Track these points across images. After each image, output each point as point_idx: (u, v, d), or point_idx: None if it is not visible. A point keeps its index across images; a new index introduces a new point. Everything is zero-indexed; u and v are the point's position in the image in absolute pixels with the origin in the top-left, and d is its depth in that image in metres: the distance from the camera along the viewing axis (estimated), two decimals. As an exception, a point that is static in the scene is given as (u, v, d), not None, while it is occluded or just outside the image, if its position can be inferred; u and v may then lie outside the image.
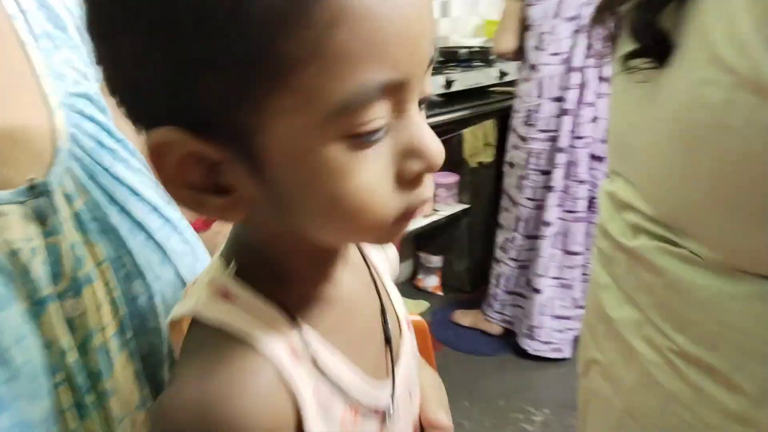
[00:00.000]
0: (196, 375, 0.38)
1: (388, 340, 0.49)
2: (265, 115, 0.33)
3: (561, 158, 2.01)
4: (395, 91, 0.35)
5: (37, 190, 0.46)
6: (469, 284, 2.68)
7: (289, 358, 0.39)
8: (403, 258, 2.59)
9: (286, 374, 0.39)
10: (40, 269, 0.45)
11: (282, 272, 0.43)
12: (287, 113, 0.33)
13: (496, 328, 2.32)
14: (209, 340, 0.39)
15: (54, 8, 0.56)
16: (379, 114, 0.34)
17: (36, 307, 0.44)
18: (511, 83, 2.26)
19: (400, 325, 0.52)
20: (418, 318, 0.75)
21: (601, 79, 1.93)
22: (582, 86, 1.95)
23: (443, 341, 2.32)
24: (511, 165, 2.17)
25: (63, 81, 0.52)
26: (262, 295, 0.41)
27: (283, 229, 0.40)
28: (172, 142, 0.35)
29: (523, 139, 2.07)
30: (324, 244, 0.42)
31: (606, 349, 0.66)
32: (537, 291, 2.14)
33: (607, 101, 0.67)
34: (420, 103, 0.38)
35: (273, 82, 0.32)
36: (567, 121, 1.98)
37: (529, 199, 2.11)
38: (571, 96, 1.96)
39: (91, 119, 0.53)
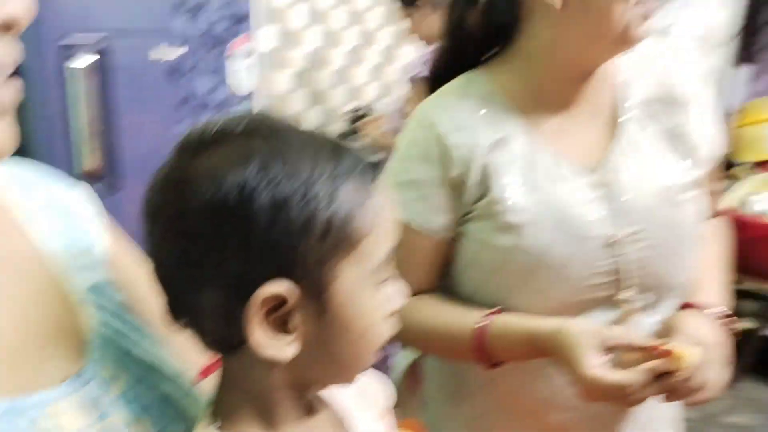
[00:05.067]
0: None
1: None
2: (339, 269, 0.47)
3: None
4: None
5: (84, 378, 0.48)
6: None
7: None
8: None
9: None
10: None
11: (271, 415, 0.50)
12: (352, 266, 0.48)
13: None
14: None
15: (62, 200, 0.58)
16: None
17: None
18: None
19: None
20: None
21: None
22: None
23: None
24: None
25: (82, 271, 0.54)
26: None
27: (299, 373, 0.50)
28: (281, 293, 0.45)
29: None
30: (323, 383, 0.53)
31: None
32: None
33: None
34: None
35: (348, 248, 0.47)
36: None
37: None
38: None
39: (112, 300, 0.55)
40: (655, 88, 0.89)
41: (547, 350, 0.78)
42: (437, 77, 0.92)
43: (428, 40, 2.16)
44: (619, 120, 0.87)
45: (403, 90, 2.77)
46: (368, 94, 3.24)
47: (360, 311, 0.49)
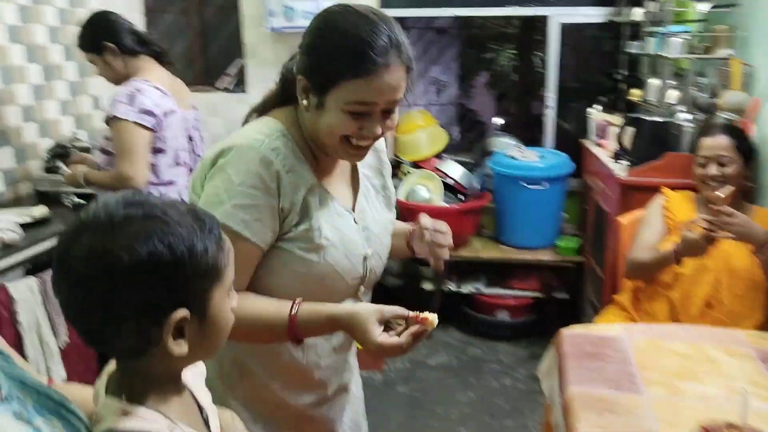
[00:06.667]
0: None
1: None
2: (212, 293, 0.76)
3: None
4: None
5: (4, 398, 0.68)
6: None
7: None
8: None
9: None
10: None
11: (163, 391, 0.77)
12: (219, 289, 0.77)
13: None
14: None
15: None
16: None
17: None
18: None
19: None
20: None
21: None
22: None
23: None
24: None
25: None
26: (148, 408, 0.75)
27: (184, 360, 0.76)
28: (182, 316, 0.73)
29: None
30: (195, 361, 0.82)
31: None
32: None
33: None
34: None
35: (217, 279, 0.77)
36: None
37: None
38: None
39: None
40: (371, 159, 1.30)
41: (344, 327, 1.08)
42: (265, 107, 1.18)
43: (115, 81, 2.28)
44: (360, 177, 1.27)
45: (99, 125, 2.76)
46: (61, 129, 3.15)
47: (223, 315, 0.79)
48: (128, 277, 0.68)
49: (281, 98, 1.18)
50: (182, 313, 0.72)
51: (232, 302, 0.82)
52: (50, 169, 2.80)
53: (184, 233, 0.72)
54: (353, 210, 1.23)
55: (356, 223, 1.22)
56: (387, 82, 1.04)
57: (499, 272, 3.53)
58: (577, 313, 3.35)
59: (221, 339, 0.81)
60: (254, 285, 1.14)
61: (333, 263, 1.15)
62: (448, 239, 1.26)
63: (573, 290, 3.50)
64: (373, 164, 1.32)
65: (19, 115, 2.88)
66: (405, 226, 1.37)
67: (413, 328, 1.05)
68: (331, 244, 1.14)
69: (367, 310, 1.06)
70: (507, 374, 3.15)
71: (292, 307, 1.08)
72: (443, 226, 1.27)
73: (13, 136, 2.84)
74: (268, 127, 1.14)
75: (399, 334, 1.05)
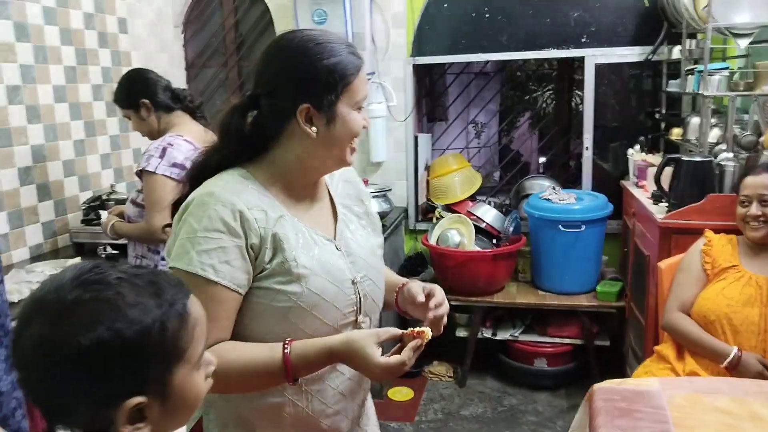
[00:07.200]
0: None
1: None
2: (175, 373, 0.71)
3: None
4: None
5: None
6: None
7: None
8: None
9: None
10: None
11: None
12: (183, 367, 0.72)
13: None
14: None
15: None
16: None
17: None
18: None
19: None
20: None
21: None
22: None
23: None
24: None
25: None
26: None
27: None
28: (138, 402, 0.68)
29: None
30: (175, 429, 0.76)
31: None
32: None
33: None
34: None
35: (180, 359, 0.72)
36: None
37: None
38: None
39: None
40: (347, 190, 1.31)
41: (342, 356, 1.07)
42: (207, 167, 1.17)
43: (150, 136, 2.36)
44: (337, 207, 1.26)
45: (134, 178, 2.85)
46: (101, 182, 3.26)
47: (190, 390, 0.74)
48: (74, 367, 0.66)
49: (242, 155, 1.18)
50: (137, 400, 0.68)
51: (208, 368, 0.78)
52: (87, 221, 2.88)
53: (137, 315, 0.68)
54: (334, 238, 1.22)
55: (338, 249, 1.20)
56: (365, 72, 1.17)
57: (536, 318, 3.41)
58: (619, 362, 3.19)
59: (190, 412, 0.77)
60: (243, 333, 1.11)
61: (318, 291, 1.12)
62: (446, 307, 1.24)
63: (615, 337, 3.34)
64: (351, 194, 1.32)
65: (61, 169, 2.99)
66: (396, 281, 1.35)
67: (412, 343, 1.08)
68: (311, 273, 1.12)
69: (362, 335, 1.07)
70: (545, 426, 3.01)
71: (284, 346, 1.06)
72: (438, 295, 1.24)
73: (55, 190, 2.95)
74: (227, 173, 1.15)
75: (398, 352, 1.08)
